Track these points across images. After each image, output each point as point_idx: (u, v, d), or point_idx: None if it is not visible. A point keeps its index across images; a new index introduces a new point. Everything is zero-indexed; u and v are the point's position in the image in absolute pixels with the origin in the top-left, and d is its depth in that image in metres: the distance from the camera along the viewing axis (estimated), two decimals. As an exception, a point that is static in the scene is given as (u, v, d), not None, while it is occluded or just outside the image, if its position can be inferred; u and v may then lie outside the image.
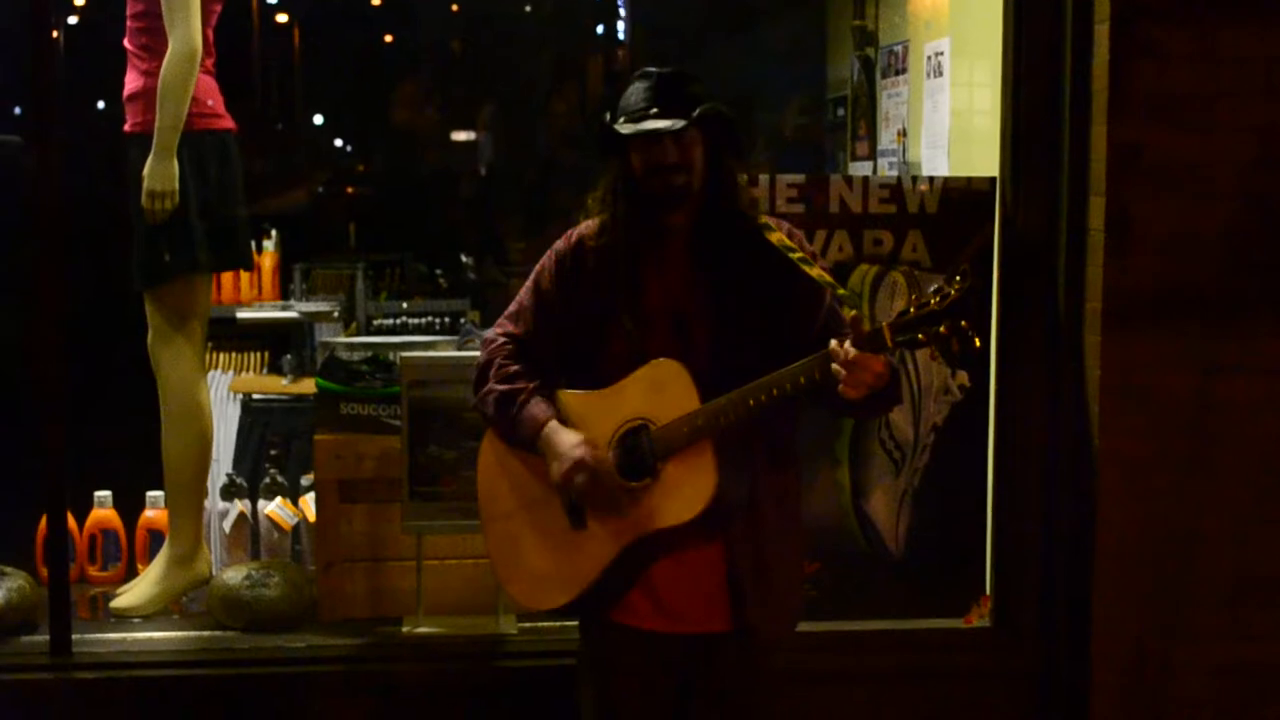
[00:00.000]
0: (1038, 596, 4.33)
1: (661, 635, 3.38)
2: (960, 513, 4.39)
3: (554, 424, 3.37)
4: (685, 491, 3.30)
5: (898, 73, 5.60)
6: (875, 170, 5.76)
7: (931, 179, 4.36)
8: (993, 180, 4.33)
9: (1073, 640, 4.25)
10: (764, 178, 4.28)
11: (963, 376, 4.32)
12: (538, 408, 3.39)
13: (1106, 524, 4.15)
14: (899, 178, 4.44)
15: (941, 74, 5.10)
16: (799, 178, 4.30)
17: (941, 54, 5.10)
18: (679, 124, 3.28)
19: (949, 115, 5.06)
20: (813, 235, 4.25)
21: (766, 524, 3.39)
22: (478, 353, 3.59)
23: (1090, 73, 4.14)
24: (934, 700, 4.32)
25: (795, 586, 3.58)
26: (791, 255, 3.38)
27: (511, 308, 3.55)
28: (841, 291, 3.36)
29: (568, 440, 3.34)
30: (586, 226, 3.47)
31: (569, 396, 3.41)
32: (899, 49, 5.59)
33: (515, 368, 3.45)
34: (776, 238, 3.41)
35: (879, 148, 5.80)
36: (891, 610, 4.39)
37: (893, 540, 4.37)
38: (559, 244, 3.51)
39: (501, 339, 3.50)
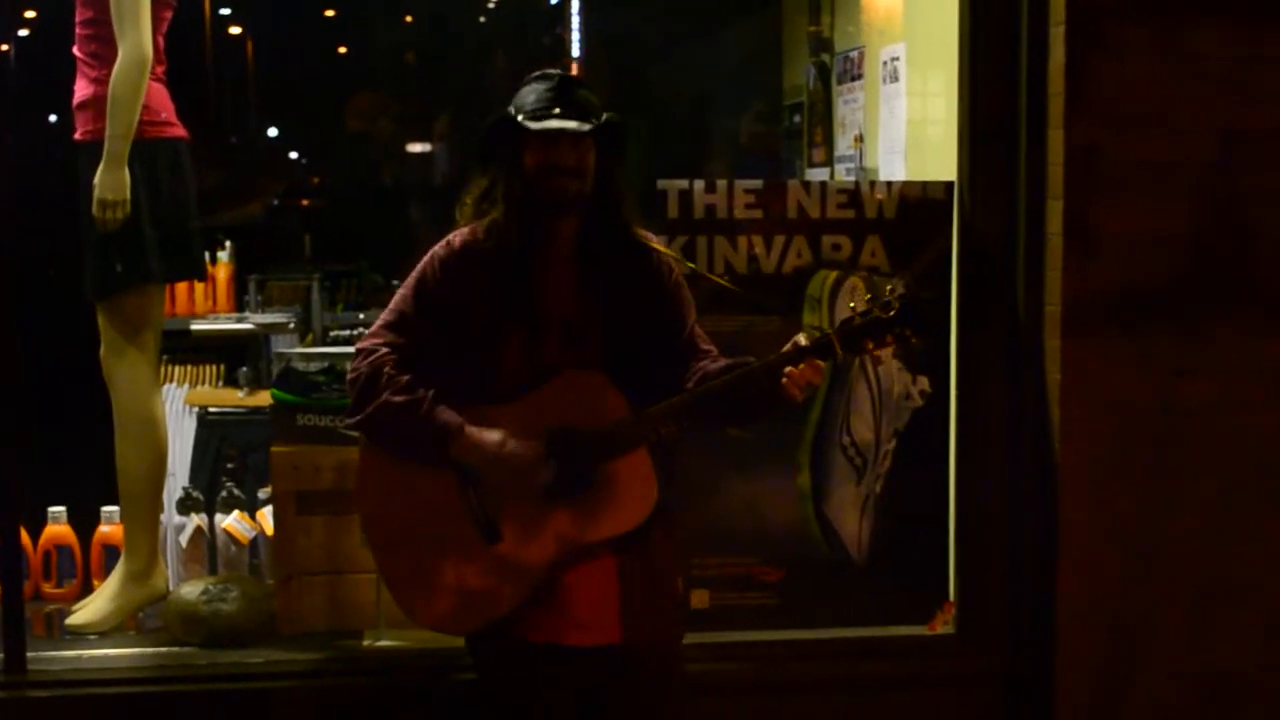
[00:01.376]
0: (1002, 602, 4.32)
1: (570, 649, 3.36)
2: (923, 519, 4.37)
3: (469, 426, 3.31)
4: (626, 499, 3.30)
5: (854, 78, 5.59)
6: (832, 176, 5.75)
7: (889, 184, 4.35)
8: (950, 185, 4.32)
9: (1038, 646, 4.24)
10: (721, 184, 4.26)
11: (924, 382, 4.31)
12: (446, 414, 3.32)
13: (1069, 529, 4.14)
14: (856, 183, 4.43)
15: (898, 79, 5.09)
16: (756, 184, 4.29)
17: (897, 59, 5.09)
18: (586, 126, 3.29)
19: (906, 120, 5.05)
20: (770, 241, 4.23)
21: (652, 536, 3.39)
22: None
23: (1047, 75, 4.13)
24: (899, 708, 4.29)
25: (674, 599, 3.57)
26: (711, 276, 3.43)
27: (389, 317, 3.45)
28: (753, 299, 3.47)
29: (492, 437, 3.29)
30: (470, 230, 3.44)
31: (476, 410, 3.34)
32: (855, 55, 5.58)
33: (406, 378, 3.35)
34: (662, 250, 3.50)
35: (836, 154, 5.79)
36: (855, 618, 4.37)
37: (855, 547, 4.35)
38: (439, 249, 3.45)
39: (384, 349, 3.39)
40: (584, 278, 3.40)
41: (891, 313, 3.20)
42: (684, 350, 3.46)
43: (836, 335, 3.23)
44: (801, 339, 3.26)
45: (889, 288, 3.24)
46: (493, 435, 3.30)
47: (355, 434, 3.51)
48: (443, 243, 3.46)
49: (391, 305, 3.47)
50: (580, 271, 3.40)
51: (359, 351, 3.44)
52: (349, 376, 3.43)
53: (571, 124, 3.29)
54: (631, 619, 3.36)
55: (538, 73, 3.42)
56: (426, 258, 3.45)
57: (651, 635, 3.41)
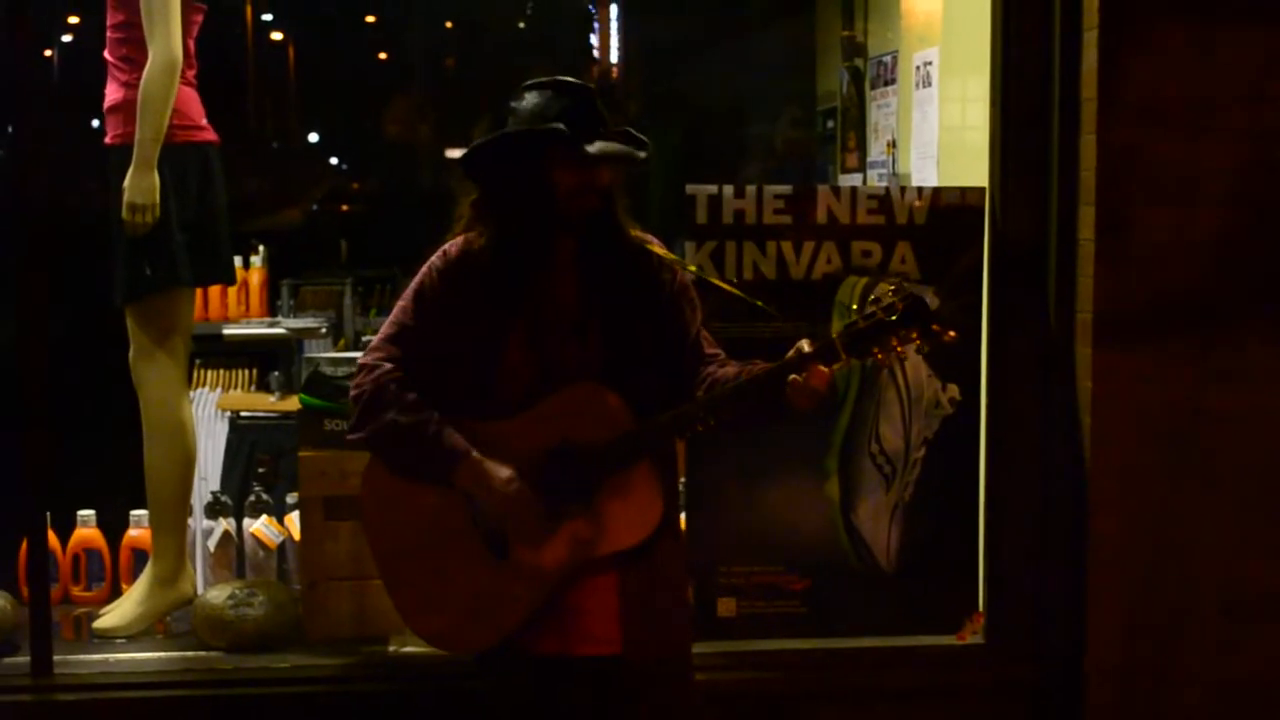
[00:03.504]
0: (1032, 612, 4.28)
1: (577, 660, 3.34)
2: (952, 527, 4.34)
3: (477, 455, 3.28)
4: (631, 513, 3.27)
5: (887, 83, 5.57)
6: (865, 182, 5.72)
7: (920, 190, 4.32)
8: (982, 190, 4.29)
9: (1067, 656, 4.20)
10: (750, 189, 4.24)
11: (954, 389, 4.28)
12: (454, 438, 3.28)
13: (1100, 537, 4.11)
14: (887, 188, 4.40)
15: (930, 84, 5.06)
16: (786, 189, 4.26)
17: (930, 64, 5.06)
18: (641, 154, 3.26)
19: (938, 125, 5.02)
20: (800, 247, 4.21)
21: (655, 547, 3.35)
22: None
23: (1079, 79, 4.10)
24: (927, 718, 4.27)
25: (682, 609, 3.52)
26: (707, 277, 3.41)
27: (389, 330, 3.41)
28: (759, 304, 3.43)
29: (501, 474, 3.26)
30: (465, 240, 3.38)
31: (480, 425, 3.32)
32: (888, 59, 5.55)
33: (412, 396, 3.32)
34: (664, 253, 3.44)
35: (869, 159, 5.77)
36: (882, 627, 4.33)
37: (884, 555, 4.31)
38: (436, 260, 3.40)
39: (388, 365, 3.35)
40: (584, 285, 3.36)
41: (894, 316, 3.13)
42: (690, 355, 3.42)
43: (840, 340, 3.16)
44: (804, 345, 3.20)
45: (890, 289, 3.19)
46: (501, 472, 3.26)
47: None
48: (439, 253, 3.41)
49: (391, 318, 3.44)
50: (580, 279, 3.36)
51: (361, 367, 3.40)
52: (352, 393, 3.38)
53: (633, 150, 3.25)
54: (632, 632, 3.33)
55: (545, 80, 3.32)
56: (424, 269, 3.41)
57: (654, 648, 3.37)
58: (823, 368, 3.15)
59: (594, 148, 3.22)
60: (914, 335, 3.13)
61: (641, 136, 3.32)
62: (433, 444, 3.28)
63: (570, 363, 3.32)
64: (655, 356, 3.37)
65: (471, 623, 3.36)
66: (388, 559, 3.45)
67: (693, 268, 3.47)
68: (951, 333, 3.19)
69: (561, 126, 3.23)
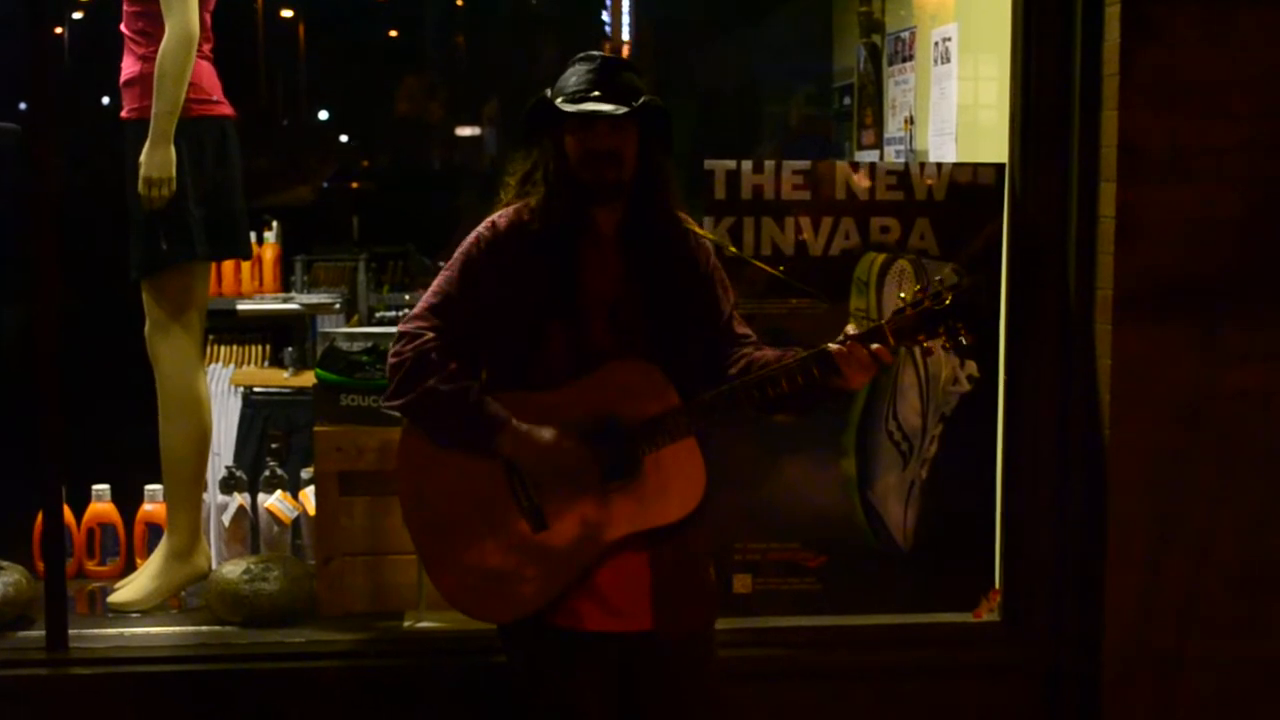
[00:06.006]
0: (1048, 590, 4.27)
1: (604, 635, 3.33)
2: (969, 505, 4.34)
3: (516, 421, 3.26)
4: (675, 488, 3.27)
5: (905, 60, 5.54)
6: (882, 158, 5.70)
7: (939, 166, 4.30)
8: (1002, 167, 4.27)
9: (1083, 634, 4.20)
10: (769, 164, 4.22)
11: (972, 367, 4.27)
12: (495, 406, 3.27)
13: (1117, 516, 4.10)
14: (906, 164, 4.38)
15: (949, 60, 5.04)
16: (805, 164, 4.25)
17: (949, 40, 5.03)
18: (621, 109, 3.22)
19: (956, 102, 4.99)
20: (818, 223, 4.20)
21: (686, 523, 3.34)
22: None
23: (1101, 57, 4.08)
24: (942, 696, 4.27)
25: (706, 585, 3.50)
26: (754, 260, 3.39)
27: (432, 299, 3.38)
28: (800, 286, 3.46)
29: (544, 435, 3.26)
30: (514, 211, 3.38)
31: (523, 397, 3.31)
32: (906, 35, 5.52)
33: (453, 365, 3.30)
34: (702, 233, 3.46)
35: (886, 136, 5.74)
36: (899, 604, 4.34)
37: (900, 533, 4.31)
38: (484, 230, 3.39)
39: (429, 334, 3.32)
40: (628, 262, 3.35)
41: (943, 304, 3.16)
42: (723, 335, 3.42)
43: (889, 326, 3.20)
44: (851, 328, 3.22)
45: (938, 279, 3.19)
46: (543, 434, 3.26)
47: (396, 414, 3.46)
48: (486, 224, 3.39)
49: (434, 287, 3.41)
50: (624, 256, 3.35)
51: (402, 335, 3.36)
52: (390, 360, 3.35)
53: (606, 107, 3.21)
54: (663, 607, 3.33)
55: (582, 54, 3.34)
56: (471, 238, 3.39)
57: (683, 622, 3.38)
58: (872, 350, 3.19)
59: (569, 107, 3.23)
60: (960, 326, 3.16)
61: (649, 102, 3.27)
62: (474, 412, 3.27)
63: (611, 340, 3.31)
64: (691, 335, 3.37)
65: (505, 596, 3.34)
66: (422, 527, 3.42)
67: (732, 248, 3.46)
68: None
69: (548, 93, 3.27)
